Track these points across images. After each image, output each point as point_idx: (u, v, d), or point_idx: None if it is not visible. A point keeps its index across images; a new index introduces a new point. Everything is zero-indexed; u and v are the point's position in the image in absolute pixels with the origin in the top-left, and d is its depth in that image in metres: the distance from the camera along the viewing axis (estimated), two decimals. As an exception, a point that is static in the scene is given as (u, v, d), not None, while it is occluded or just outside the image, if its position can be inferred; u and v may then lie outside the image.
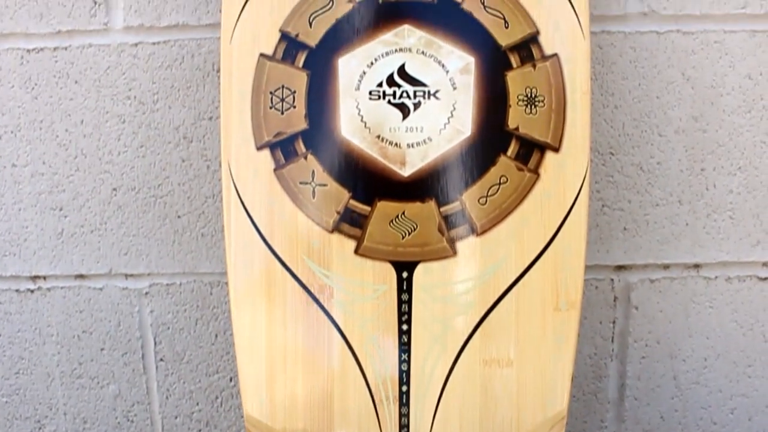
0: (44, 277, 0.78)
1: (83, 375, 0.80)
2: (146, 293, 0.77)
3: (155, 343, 0.79)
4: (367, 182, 0.61)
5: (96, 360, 0.79)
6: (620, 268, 0.75)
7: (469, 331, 0.61)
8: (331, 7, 0.62)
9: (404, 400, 0.61)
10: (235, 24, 0.63)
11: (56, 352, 0.80)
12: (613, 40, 0.71)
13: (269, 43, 0.63)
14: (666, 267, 0.75)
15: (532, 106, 0.61)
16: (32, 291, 0.78)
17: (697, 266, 0.75)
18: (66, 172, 0.76)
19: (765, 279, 0.75)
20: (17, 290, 0.78)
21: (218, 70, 0.69)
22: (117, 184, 0.76)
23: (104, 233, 0.76)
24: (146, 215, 0.76)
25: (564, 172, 0.60)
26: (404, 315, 0.60)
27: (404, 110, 0.61)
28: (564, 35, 0.61)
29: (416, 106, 0.61)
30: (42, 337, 0.80)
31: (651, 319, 0.76)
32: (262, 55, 0.62)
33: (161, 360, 0.79)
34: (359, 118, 0.61)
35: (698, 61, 0.72)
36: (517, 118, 0.61)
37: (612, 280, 0.75)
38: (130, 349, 0.79)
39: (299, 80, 0.61)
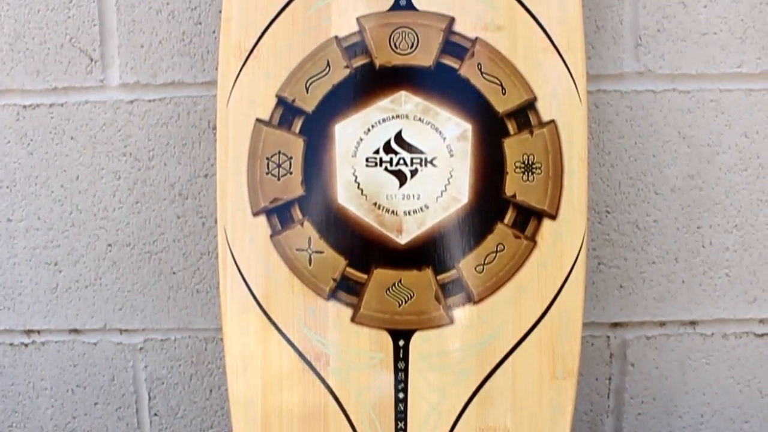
0: (38, 331, 0.77)
1: (77, 429, 0.80)
2: (141, 348, 0.77)
3: (149, 398, 0.78)
4: (363, 250, 0.61)
5: (90, 414, 0.79)
6: (616, 325, 0.75)
7: (466, 399, 0.60)
8: (327, 73, 0.62)
9: (401, 469, 0.61)
10: (232, 87, 0.62)
11: (50, 406, 0.80)
12: (610, 99, 0.71)
13: (266, 107, 0.62)
14: (662, 324, 0.74)
15: (530, 173, 0.61)
16: (26, 345, 0.78)
17: (693, 323, 0.75)
18: (61, 227, 0.75)
19: (762, 335, 0.75)
20: (11, 344, 0.78)
21: (214, 128, 0.68)
22: (112, 240, 0.75)
23: (99, 288, 0.76)
24: (141, 271, 0.75)
25: (561, 239, 0.60)
26: (400, 383, 0.60)
27: (401, 177, 0.61)
28: (561, 101, 0.61)
29: (413, 173, 0.61)
30: (36, 391, 0.79)
31: (647, 376, 0.76)
32: (258, 119, 0.62)
33: (155, 415, 0.79)
34: (356, 186, 0.60)
35: (694, 120, 0.72)
36: (514, 185, 0.61)
37: (608, 337, 0.75)
38: (124, 403, 0.79)
39: (296, 146, 0.61)
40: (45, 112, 0.74)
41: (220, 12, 0.63)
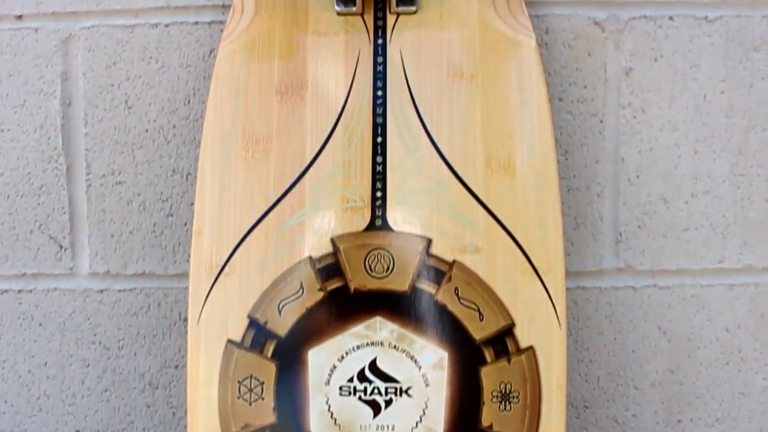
0: None
1: None
2: None
3: None
4: (336, 480, 0.59)
5: None
6: None
7: None
8: (301, 295, 0.60)
9: None
10: (203, 305, 0.61)
11: None
12: (589, 295, 0.70)
13: (237, 328, 0.61)
14: None
15: (507, 403, 0.59)
16: None
17: None
18: (28, 412, 0.74)
19: None
20: None
21: (185, 320, 0.67)
22: (80, 426, 0.74)
23: (66, 473, 0.74)
24: (110, 457, 0.73)
25: (538, 468, 0.59)
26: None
27: (375, 407, 0.59)
28: (540, 327, 0.60)
29: (387, 403, 0.59)
30: None
31: None
32: (230, 341, 0.60)
33: None
34: (329, 415, 0.59)
35: (675, 315, 0.71)
36: (490, 415, 0.59)
37: None
38: None
39: (268, 371, 0.60)
40: (14, 298, 0.73)
41: (192, 204, 0.61)
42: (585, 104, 0.70)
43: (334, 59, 0.64)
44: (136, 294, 0.72)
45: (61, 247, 0.72)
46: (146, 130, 0.71)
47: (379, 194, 0.61)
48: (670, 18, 0.69)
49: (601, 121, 0.70)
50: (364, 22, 0.63)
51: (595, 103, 0.69)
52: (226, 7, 0.69)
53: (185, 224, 0.70)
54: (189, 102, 0.70)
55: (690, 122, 0.70)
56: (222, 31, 0.65)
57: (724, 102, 0.70)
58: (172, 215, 0.71)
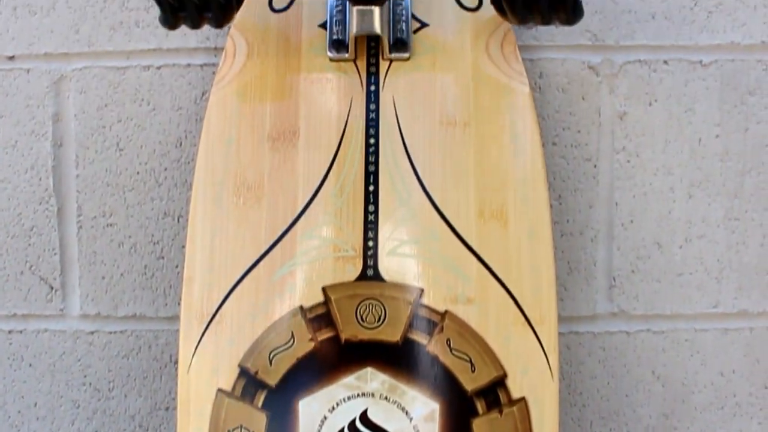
0: None
1: None
2: None
3: None
4: None
5: None
6: None
7: None
8: (291, 345, 0.60)
9: None
10: (193, 353, 0.60)
11: None
12: (582, 340, 0.70)
13: (228, 378, 0.60)
14: None
15: (499, 454, 0.58)
16: None
17: None
18: (17, 452, 0.73)
19: None
20: None
21: (176, 362, 0.66)
22: (70, 467, 0.72)
23: None
24: (99, 498, 0.73)
25: None
26: None
27: (367, 459, 0.58)
28: (533, 378, 0.60)
29: (379, 455, 0.58)
30: None
31: None
32: (220, 390, 0.59)
33: None
34: (320, 468, 0.58)
35: (669, 359, 0.70)
36: (482, 467, 0.58)
37: None
38: None
39: (258, 421, 0.59)
40: (4, 338, 0.73)
41: (183, 247, 0.60)
42: (579, 149, 0.69)
43: (327, 106, 0.63)
44: (127, 336, 0.71)
45: (52, 288, 0.71)
46: (137, 173, 0.70)
47: (371, 243, 0.60)
48: (665, 62, 0.69)
49: (595, 166, 0.69)
50: (357, 68, 0.63)
51: (589, 148, 0.69)
52: (218, 50, 0.68)
53: (176, 267, 0.70)
54: (180, 144, 0.69)
55: (685, 166, 0.69)
56: (214, 74, 0.64)
57: (720, 146, 0.69)
58: (162, 258, 0.70)
